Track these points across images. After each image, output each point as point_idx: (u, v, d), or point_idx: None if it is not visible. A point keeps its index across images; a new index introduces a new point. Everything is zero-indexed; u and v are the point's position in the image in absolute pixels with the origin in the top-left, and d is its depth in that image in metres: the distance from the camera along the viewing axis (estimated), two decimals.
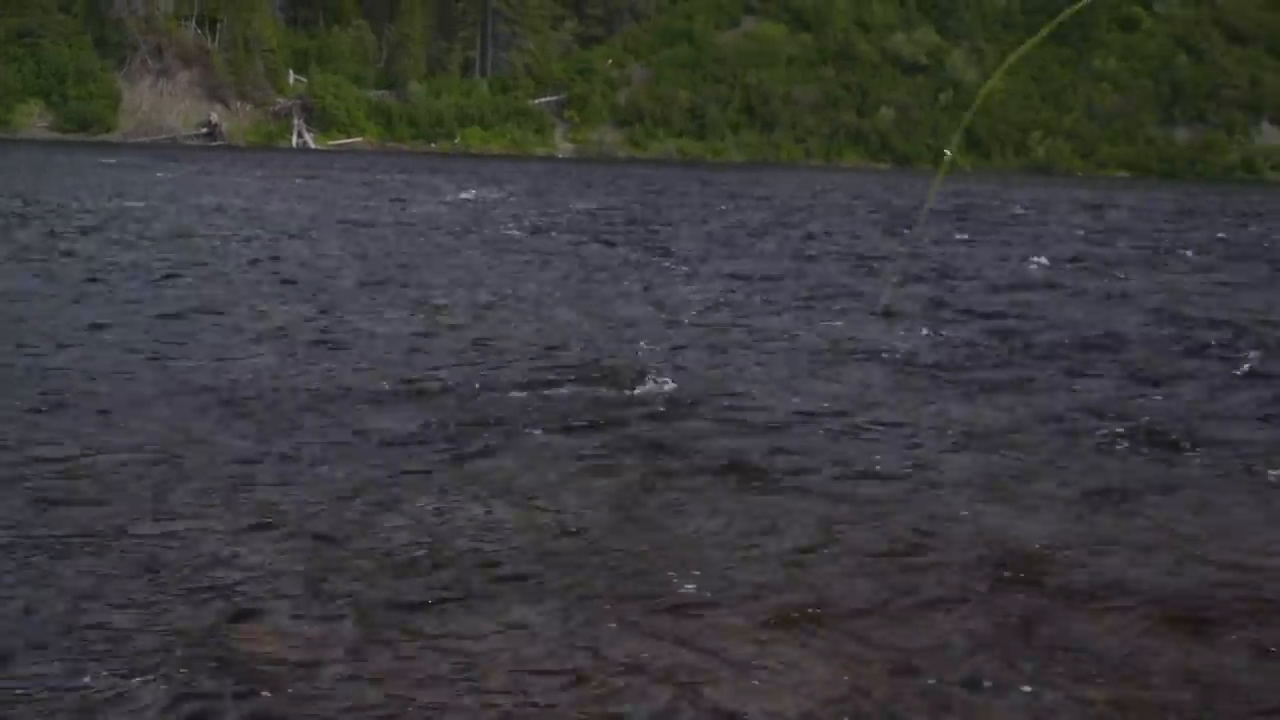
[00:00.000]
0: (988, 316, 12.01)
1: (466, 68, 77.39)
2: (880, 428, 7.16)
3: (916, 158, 74.28)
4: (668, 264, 16.43)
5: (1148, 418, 7.58)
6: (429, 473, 6.04)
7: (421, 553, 4.93)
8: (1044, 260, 18.33)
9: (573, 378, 8.33)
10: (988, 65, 78.58)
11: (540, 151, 72.79)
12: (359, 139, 72.69)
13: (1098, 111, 78.13)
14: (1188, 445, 6.84)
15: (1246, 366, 9.36)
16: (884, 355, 9.61)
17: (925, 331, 11.07)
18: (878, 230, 23.92)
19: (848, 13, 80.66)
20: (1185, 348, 10.45)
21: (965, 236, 22.45)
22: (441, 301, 12.32)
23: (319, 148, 70.54)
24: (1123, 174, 75.21)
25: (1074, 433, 7.19)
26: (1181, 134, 78.55)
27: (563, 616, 4.34)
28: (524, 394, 7.81)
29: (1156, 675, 3.99)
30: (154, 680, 3.74)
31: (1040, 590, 4.70)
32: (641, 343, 9.92)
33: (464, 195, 32.10)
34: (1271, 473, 6.45)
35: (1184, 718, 3.81)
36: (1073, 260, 18.40)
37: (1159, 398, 8.33)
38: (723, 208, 29.96)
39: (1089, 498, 5.92)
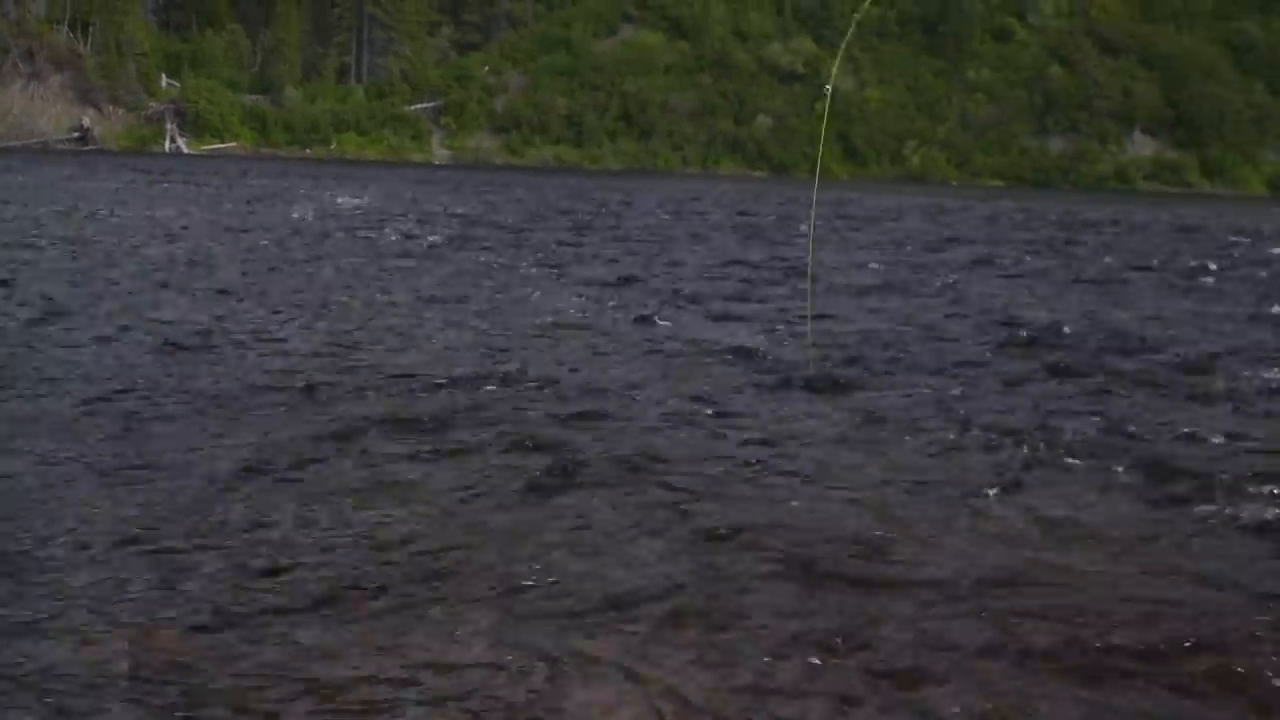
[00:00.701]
0: (829, 317, 12.85)
1: (342, 73, 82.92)
2: (736, 428, 7.63)
3: (793, 166, 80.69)
4: (535, 270, 17.30)
5: (963, 411, 8.21)
6: (285, 479, 6.29)
7: (285, 559, 5.13)
8: (878, 265, 19.73)
9: (440, 381, 8.75)
10: (864, 74, 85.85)
11: (417, 158, 78.10)
12: (233, 144, 77.42)
13: (972, 121, 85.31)
14: (1013, 439, 7.40)
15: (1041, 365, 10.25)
16: (734, 356, 10.31)
17: (776, 331, 11.99)
18: (739, 237, 25.82)
19: (725, 22, 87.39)
20: (989, 345, 11.35)
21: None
22: (313, 306, 12.81)
23: (192, 152, 74.97)
24: (997, 183, 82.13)
25: (905, 429, 7.76)
26: (1055, 144, 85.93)
27: (411, 620, 4.55)
28: (390, 397, 8.20)
29: (957, 673, 4.25)
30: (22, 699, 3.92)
31: (863, 584, 5.03)
32: (502, 347, 10.46)
33: (339, 201, 33.15)
34: (1076, 460, 7.04)
35: (984, 690, 4.14)
36: (900, 262, 20.29)
37: (964, 391, 9.03)
38: (590, 214, 31.56)
39: (918, 490, 6.42)
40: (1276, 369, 10.34)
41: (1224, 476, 6.70)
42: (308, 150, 78.00)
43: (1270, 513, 6.13)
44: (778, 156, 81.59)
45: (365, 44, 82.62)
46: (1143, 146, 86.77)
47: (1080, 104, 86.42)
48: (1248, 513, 6.11)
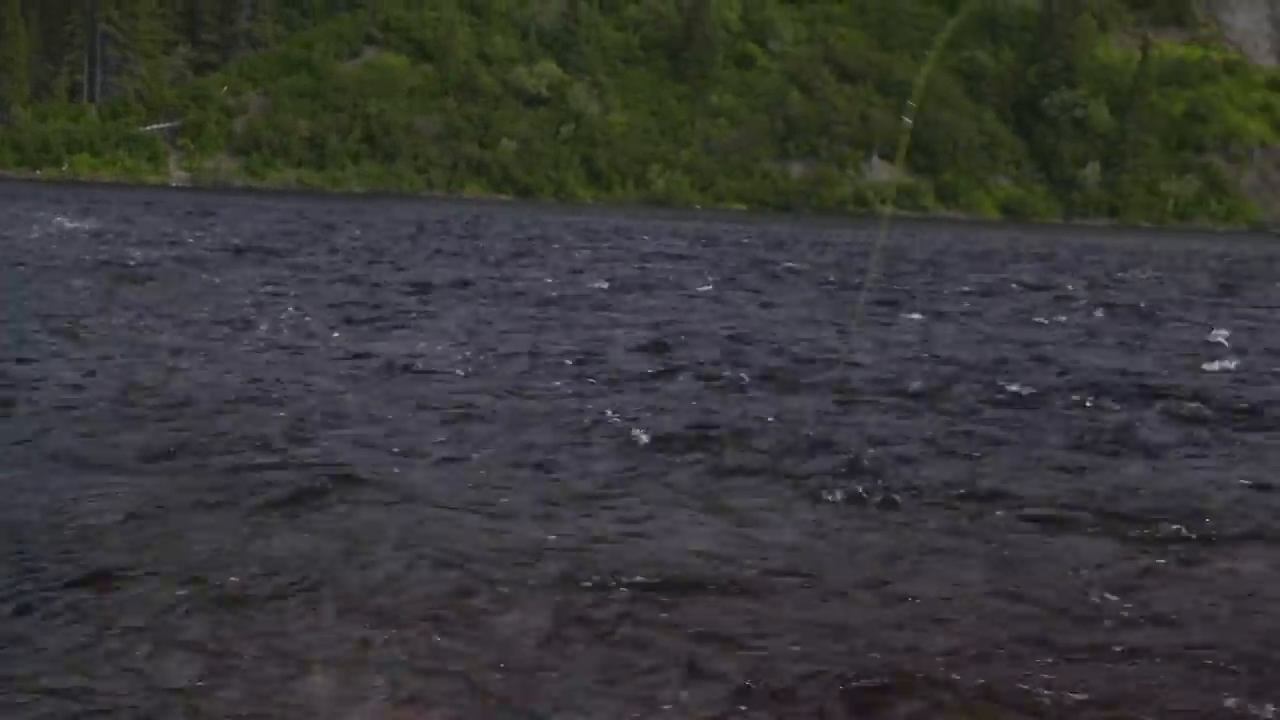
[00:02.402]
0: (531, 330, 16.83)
1: (74, 92, 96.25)
2: (455, 440, 10.19)
3: (538, 189, 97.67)
4: (267, 290, 21.53)
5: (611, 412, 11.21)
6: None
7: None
8: (603, 284, 24.97)
9: (159, 403, 11.11)
10: (609, 99, 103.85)
11: (153, 180, 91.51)
12: None
13: (715, 146, 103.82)
14: (661, 443, 10.15)
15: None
16: (438, 371, 13.38)
17: (487, 346, 15.45)
18: (468, 258, 31.87)
19: (469, 45, 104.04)
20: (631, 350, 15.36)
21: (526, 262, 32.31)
22: (34, 331, 14.99)
23: None
24: (740, 207, 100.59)
25: (597, 433, 10.45)
26: (796, 168, 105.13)
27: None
28: (110, 422, 10.37)
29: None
30: None
31: (612, 586, 6.75)
32: (206, 363, 13.42)
33: (70, 225, 37.10)
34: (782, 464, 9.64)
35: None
36: (613, 280, 26.15)
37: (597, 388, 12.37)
38: (321, 238, 37.96)
39: (599, 496, 8.66)
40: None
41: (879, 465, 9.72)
42: (38, 171, 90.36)
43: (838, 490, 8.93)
44: (523, 180, 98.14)
45: (98, 62, 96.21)
46: (880, 171, 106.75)
47: (820, 129, 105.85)
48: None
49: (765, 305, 23.26)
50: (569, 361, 14.83)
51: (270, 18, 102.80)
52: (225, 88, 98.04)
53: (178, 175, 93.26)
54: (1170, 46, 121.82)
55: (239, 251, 31.00)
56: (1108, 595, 7.17)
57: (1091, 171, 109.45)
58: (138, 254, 28.70)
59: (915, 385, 13.87)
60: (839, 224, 78.62)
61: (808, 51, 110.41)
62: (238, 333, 16.51)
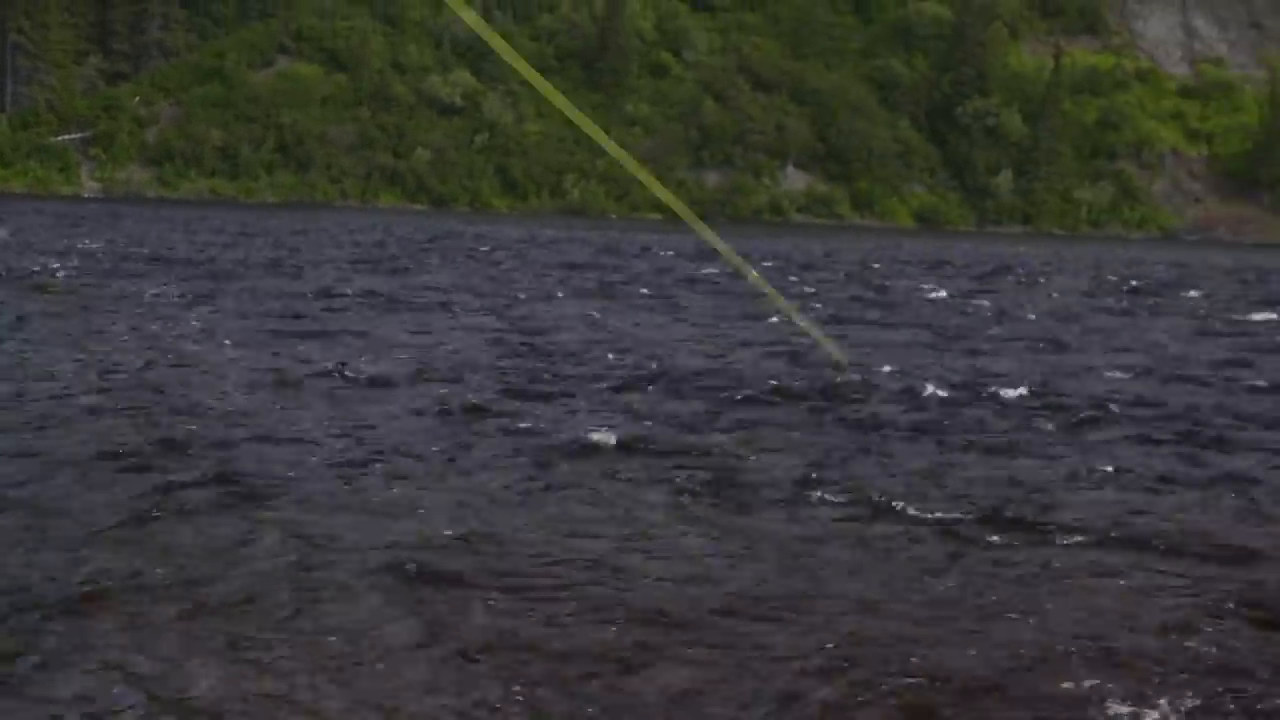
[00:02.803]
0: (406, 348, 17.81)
1: None
2: (327, 444, 11.01)
3: (453, 199, 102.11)
4: (165, 298, 22.98)
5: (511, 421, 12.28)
6: None
7: None
8: (520, 295, 27.35)
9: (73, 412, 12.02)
10: (523, 108, 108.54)
11: (65, 190, 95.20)
12: None
13: (630, 155, 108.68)
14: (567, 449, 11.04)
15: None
16: (326, 376, 14.80)
17: (364, 354, 16.86)
18: (357, 268, 34.06)
19: (383, 54, 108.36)
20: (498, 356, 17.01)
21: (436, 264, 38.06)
22: None
23: None
24: (655, 216, 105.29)
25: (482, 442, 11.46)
26: (711, 177, 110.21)
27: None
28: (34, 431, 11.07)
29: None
30: None
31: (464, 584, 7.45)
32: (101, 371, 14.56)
33: None
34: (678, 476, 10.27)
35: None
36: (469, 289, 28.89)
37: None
38: (228, 245, 41.19)
39: (474, 502, 9.32)
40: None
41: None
42: None
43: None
44: (438, 189, 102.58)
45: (9, 72, 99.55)
46: (795, 180, 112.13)
47: (735, 139, 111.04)
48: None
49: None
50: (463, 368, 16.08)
51: (182, 27, 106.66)
52: (137, 98, 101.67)
53: (90, 186, 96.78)
54: (1082, 55, 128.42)
55: (145, 261, 32.79)
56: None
57: (1005, 179, 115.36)
58: (43, 264, 30.03)
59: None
60: (747, 232, 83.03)
61: (722, 61, 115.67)
62: (140, 342, 17.41)
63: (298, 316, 21.57)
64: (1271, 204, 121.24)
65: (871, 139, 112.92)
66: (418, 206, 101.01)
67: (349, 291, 26.43)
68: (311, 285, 27.73)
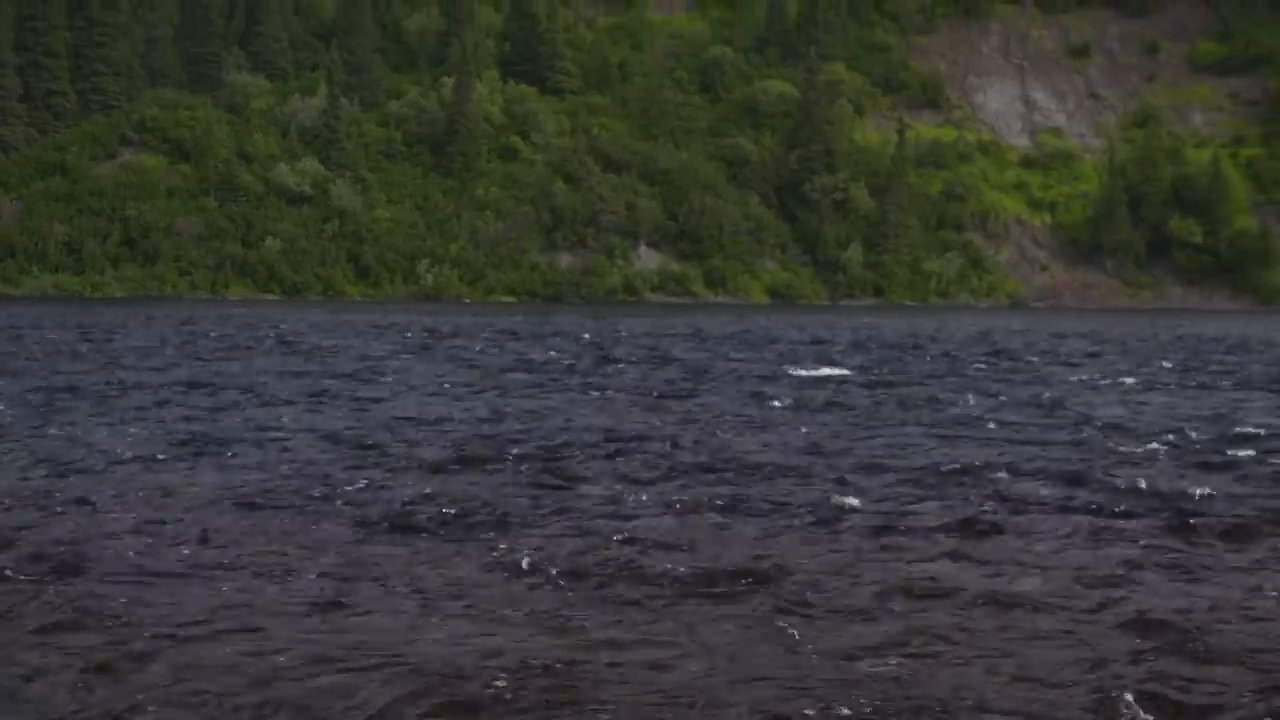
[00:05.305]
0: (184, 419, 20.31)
1: None
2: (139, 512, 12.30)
3: (306, 287, 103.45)
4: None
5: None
6: None
7: None
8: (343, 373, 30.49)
9: None
10: (373, 195, 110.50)
11: None
12: None
13: (482, 239, 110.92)
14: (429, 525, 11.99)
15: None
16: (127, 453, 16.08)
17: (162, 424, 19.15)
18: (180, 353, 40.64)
19: (229, 144, 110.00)
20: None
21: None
22: None
23: None
24: (510, 299, 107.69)
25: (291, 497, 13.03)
26: (564, 258, 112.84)
27: None
28: None
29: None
30: None
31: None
32: None
33: None
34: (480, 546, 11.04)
35: None
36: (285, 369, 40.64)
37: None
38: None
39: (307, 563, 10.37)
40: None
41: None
42: None
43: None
44: (290, 278, 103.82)
45: None
46: (648, 259, 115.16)
47: (587, 219, 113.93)
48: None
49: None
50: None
51: (21, 121, 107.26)
52: None
53: None
54: (926, 129, 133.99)
55: None
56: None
57: (855, 253, 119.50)
58: None
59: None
60: (585, 312, 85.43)
61: (571, 142, 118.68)
62: None
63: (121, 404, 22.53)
64: (1114, 270, 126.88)
65: (722, 216, 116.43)
66: (269, 296, 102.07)
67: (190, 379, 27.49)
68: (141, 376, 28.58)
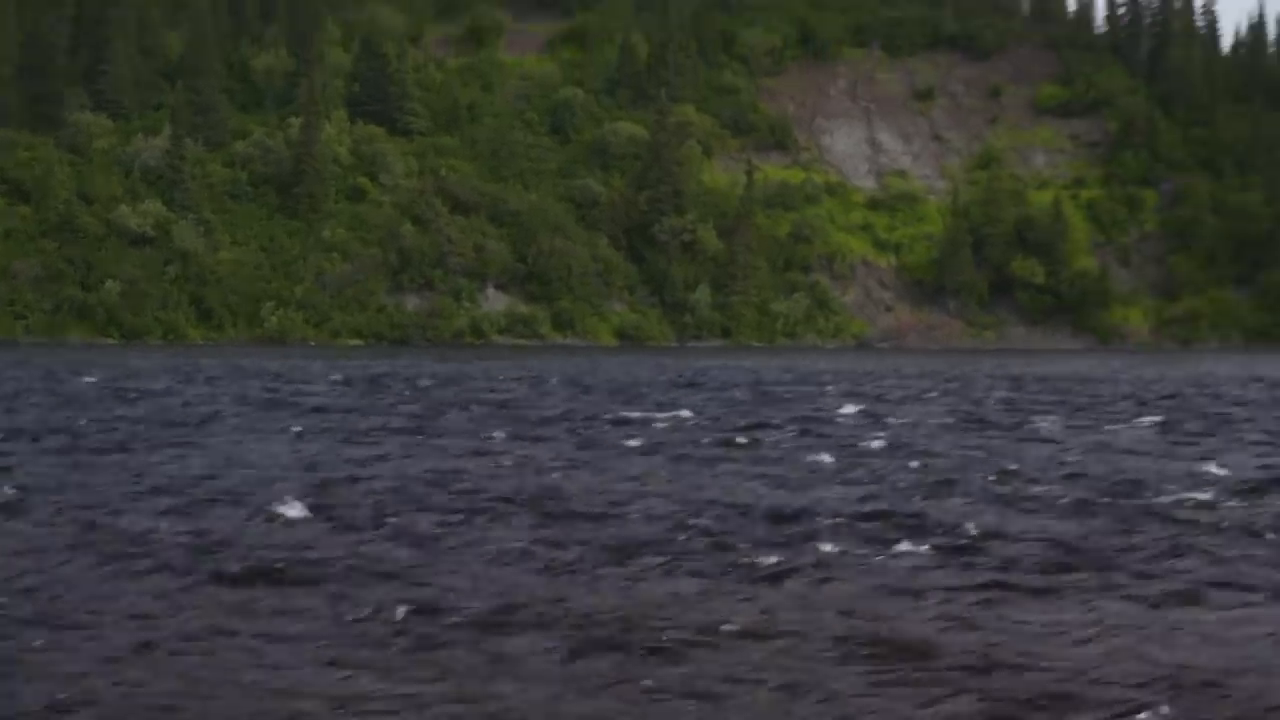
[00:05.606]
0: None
1: None
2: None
3: (147, 331, 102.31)
4: None
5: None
6: None
7: None
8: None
9: None
10: (217, 236, 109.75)
11: None
12: None
13: (328, 281, 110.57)
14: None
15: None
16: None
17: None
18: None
19: (69, 184, 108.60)
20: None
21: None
22: None
23: None
24: (356, 342, 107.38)
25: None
26: (411, 300, 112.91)
27: None
28: None
29: None
30: None
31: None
32: None
33: None
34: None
35: None
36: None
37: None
38: None
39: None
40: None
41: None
42: None
43: None
44: (130, 322, 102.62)
45: None
46: (495, 301, 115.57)
47: (434, 261, 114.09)
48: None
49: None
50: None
51: None
52: None
53: None
54: (774, 170, 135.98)
55: None
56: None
57: (703, 294, 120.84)
58: None
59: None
60: (448, 355, 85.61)
61: (419, 184, 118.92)
62: None
63: None
64: (957, 310, 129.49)
65: (571, 258, 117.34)
66: (109, 340, 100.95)
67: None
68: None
